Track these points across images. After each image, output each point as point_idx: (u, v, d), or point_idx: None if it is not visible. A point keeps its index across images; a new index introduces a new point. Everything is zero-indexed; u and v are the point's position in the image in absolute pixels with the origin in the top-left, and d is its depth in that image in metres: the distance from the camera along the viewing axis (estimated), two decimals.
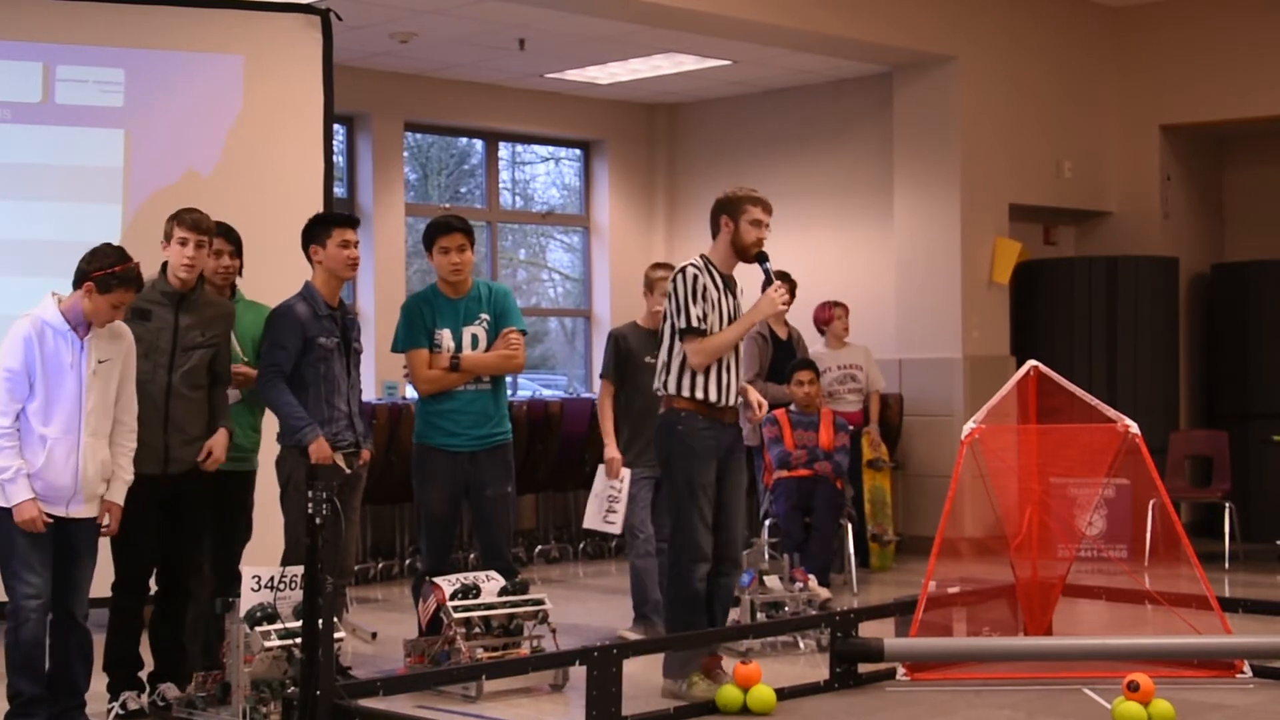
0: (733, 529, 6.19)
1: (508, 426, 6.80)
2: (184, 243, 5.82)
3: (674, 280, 6.12)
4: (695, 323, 6.03)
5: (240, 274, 6.40)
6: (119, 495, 5.52)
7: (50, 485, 5.30)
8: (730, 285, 6.20)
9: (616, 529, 7.41)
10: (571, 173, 12.58)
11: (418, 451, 6.72)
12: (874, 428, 10.01)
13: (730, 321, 6.14)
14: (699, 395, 6.07)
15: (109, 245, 5.43)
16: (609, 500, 7.39)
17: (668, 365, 6.15)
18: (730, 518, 6.17)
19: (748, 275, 6.32)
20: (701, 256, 6.20)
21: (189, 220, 5.86)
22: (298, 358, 6.16)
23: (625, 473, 7.38)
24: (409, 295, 7.40)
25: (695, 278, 6.06)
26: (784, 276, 7.86)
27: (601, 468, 7.42)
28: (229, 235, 6.27)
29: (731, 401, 6.16)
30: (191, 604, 5.98)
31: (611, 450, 7.38)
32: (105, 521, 5.49)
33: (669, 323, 6.14)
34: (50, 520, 5.30)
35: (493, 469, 6.67)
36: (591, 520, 7.48)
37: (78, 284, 5.37)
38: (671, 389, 6.12)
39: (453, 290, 6.72)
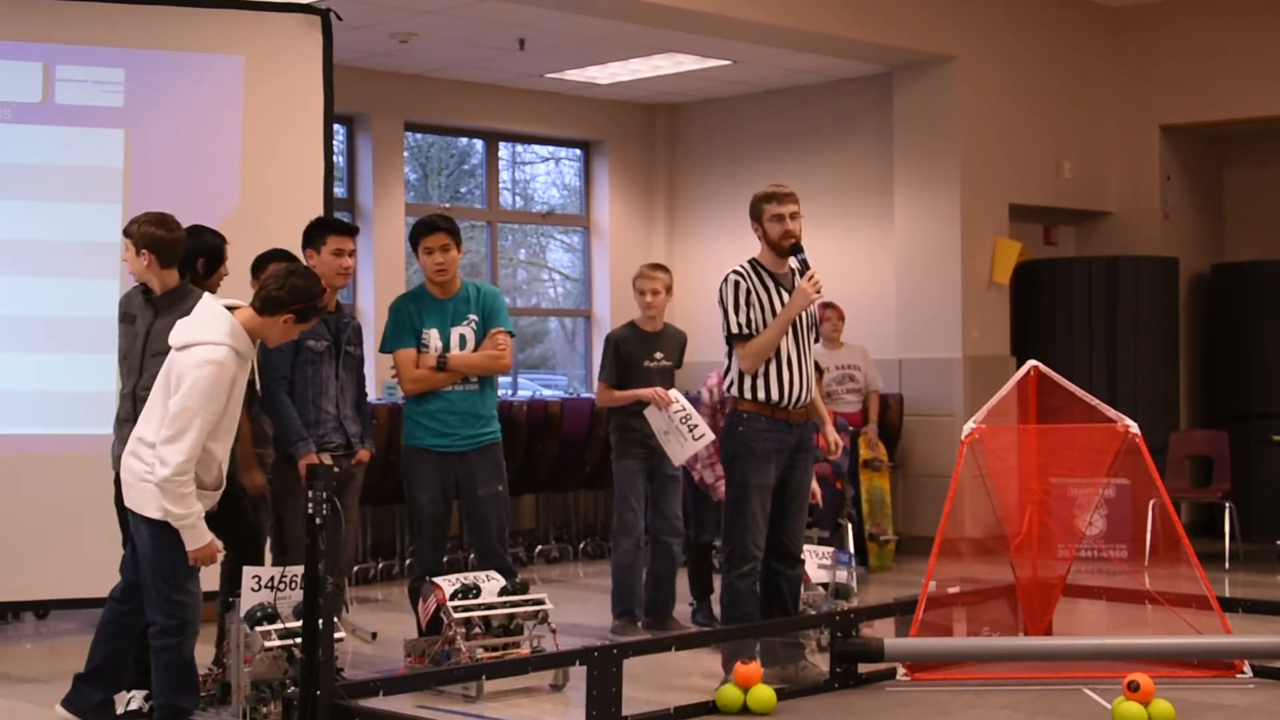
0: (793, 526, 6.35)
1: (497, 426, 6.80)
2: None
3: (720, 288, 6.27)
4: (735, 329, 6.20)
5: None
6: None
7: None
8: (783, 281, 6.31)
9: (710, 436, 7.23)
10: (571, 173, 12.57)
11: (407, 453, 6.73)
12: (871, 428, 10.00)
13: None
14: (760, 396, 6.21)
15: None
16: (681, 421, 7.28)
17: (729, 369, 6.30)
18: (791, 515, 6.33)
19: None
20: (751, 261, 6.35)
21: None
22: (291, 360, 6.17)
23: (673, 393, 7.37)
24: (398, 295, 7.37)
25: (738, 284, 6.22)
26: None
27: (649, 409, 7.34)
28: None
29: (798, 401, 6.27)
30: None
31: (644, 393, 7.34)
32: None
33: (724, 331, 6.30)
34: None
35: (484, 468, 6.67)
36: (684, 452, 7.32)
37: None
38: (735, 391, 6.27)
39: (441, 290, 6.72)
